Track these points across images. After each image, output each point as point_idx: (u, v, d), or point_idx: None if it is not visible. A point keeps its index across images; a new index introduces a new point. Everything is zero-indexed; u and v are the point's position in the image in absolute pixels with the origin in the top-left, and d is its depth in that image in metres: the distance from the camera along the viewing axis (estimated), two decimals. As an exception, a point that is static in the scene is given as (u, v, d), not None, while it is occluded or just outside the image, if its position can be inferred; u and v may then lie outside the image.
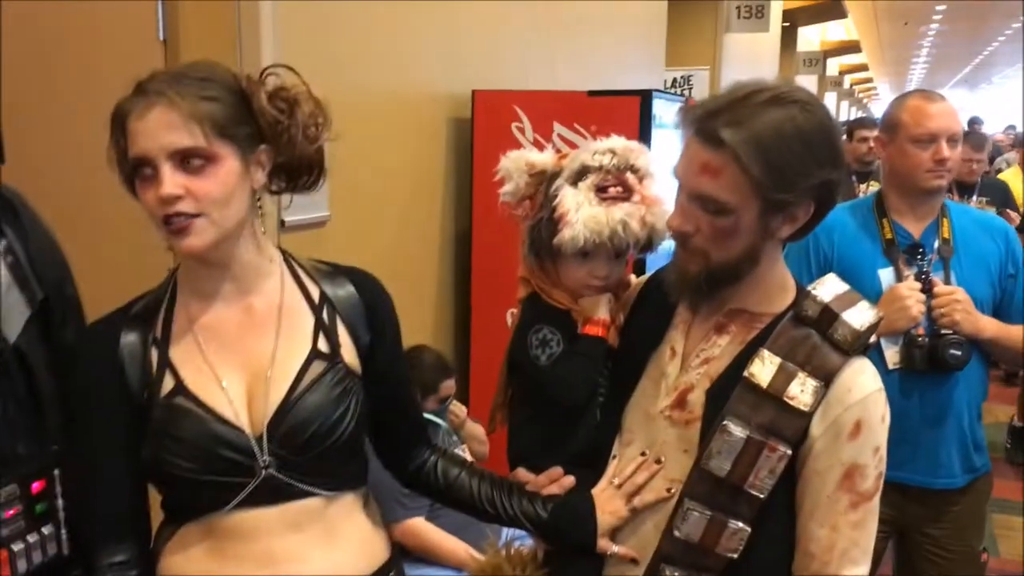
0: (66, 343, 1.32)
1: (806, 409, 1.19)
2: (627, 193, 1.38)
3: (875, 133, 4.61)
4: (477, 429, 2.98)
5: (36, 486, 1.23)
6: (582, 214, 1.35)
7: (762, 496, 1.19)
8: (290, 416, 1.23)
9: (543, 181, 1.43)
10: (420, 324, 3.48)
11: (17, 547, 1.21)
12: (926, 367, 2.06)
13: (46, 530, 1.25)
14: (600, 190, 1.37)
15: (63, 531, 1.27)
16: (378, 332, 1.36)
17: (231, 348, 1.26)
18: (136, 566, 1.26)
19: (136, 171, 1.18)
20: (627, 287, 1.49)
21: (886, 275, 2.11)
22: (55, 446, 1.27)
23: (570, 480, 1.37)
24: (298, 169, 1.32)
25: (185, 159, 1.17)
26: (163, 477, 1.24)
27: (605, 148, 1.40)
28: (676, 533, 1.22)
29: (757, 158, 1.15)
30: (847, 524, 1.21)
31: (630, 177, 1.40)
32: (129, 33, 2.45)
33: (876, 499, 1.23)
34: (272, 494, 1.23)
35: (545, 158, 1.45)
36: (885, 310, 1.95)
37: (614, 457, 1.35)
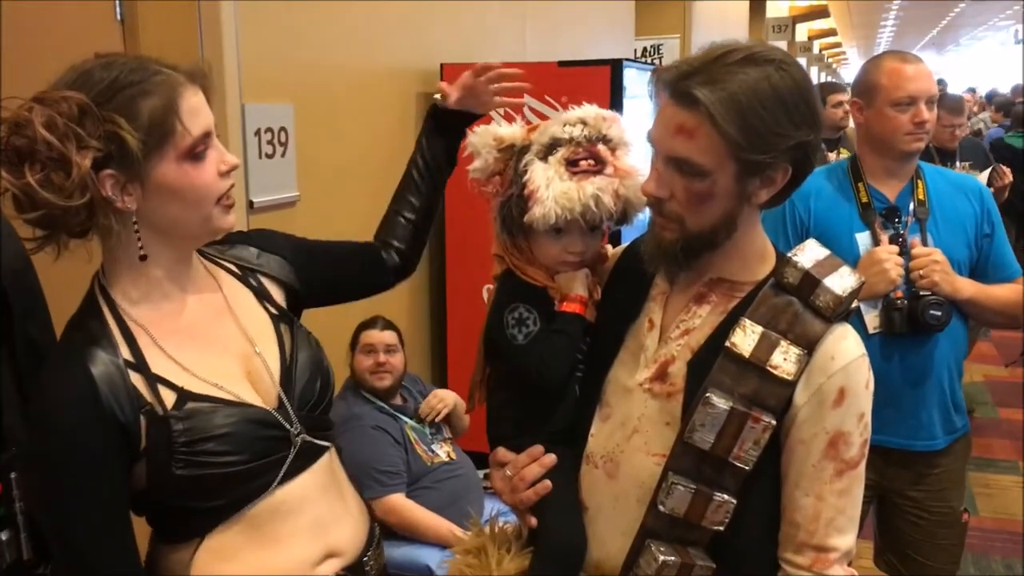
0: (31, 338, 1.25)
1: (789, 378, 1.17)
2: (599, 166, 1.34)
3: (847, 97, 4.58)
4: (460, 404, 2.96)
5: None
6: (552, 190, 1.31)
7: (747, 468, 1.17)
8: (297, 378, 1.28)
9: (512, 156, 1.39)
10: (395, 302, 3.44)
11: None
12: (906, 329, 2.05)
13: (4, 535, 1.19)
14: (571, 164, 1.33)
15: (23, 535, 1.21)
16: (286, 256, 1.42)
17: (206, 341, 1.24)
18: None
19: (192, 150, 1.15)
20: (604, 260, 1.46)
21: (863, 239, 2.10)
22: (13, 448, 1.20)
23: (551, 458, 1.34)
24: None
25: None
26: (203, 485, 1.16)
27: (576, 119, 1.36)
28: (661, 508, 1.20)
29: (732, 117, 1.13)
30: (832, 493, 1.20)
31: (602, 148, 1.35)
32: (86, 14, 2.38)
33: (862, 466, 1.22)
34: (304, 459, 1.25)
35: (514, 132, 1.40)
36: (864, 274, 1.92)
37: (592, 435, 1.33)
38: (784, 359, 1.17)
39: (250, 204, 2.57)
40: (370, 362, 2.79)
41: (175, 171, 1.15)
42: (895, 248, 2.05)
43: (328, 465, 1.32)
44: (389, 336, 2.85)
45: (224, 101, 2.44)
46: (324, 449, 1.30)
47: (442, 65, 3.54)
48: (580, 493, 1.33)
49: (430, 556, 2.61)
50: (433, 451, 2.83)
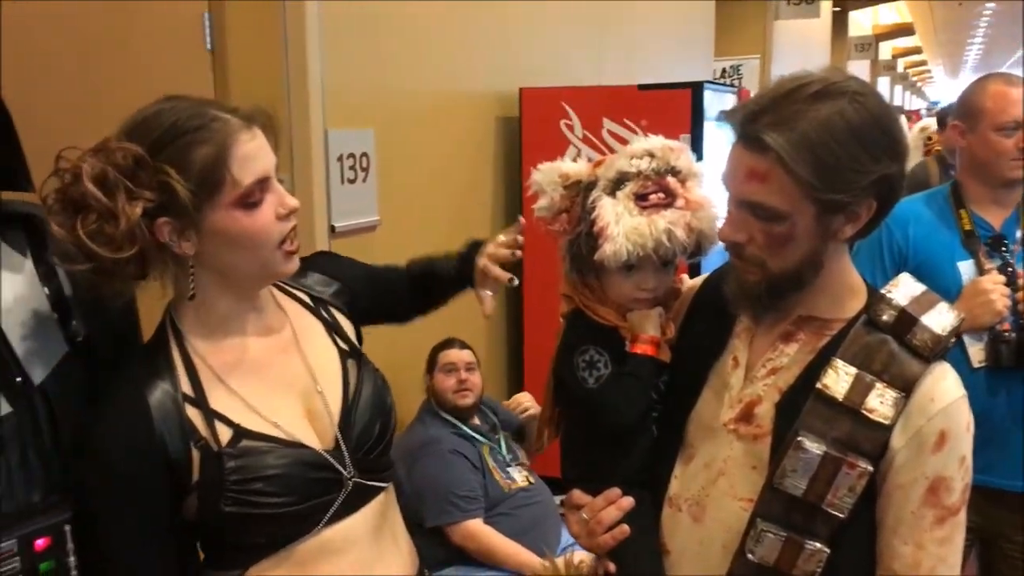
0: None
1: (887, 422, 1.11)
2: (669, 198, 1.30)
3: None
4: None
5: (40, 543, 1.11)
6: (623, 226, 1.27)
7: (842, 516, 1.12)
8: (357, 419, 1.26)
9: (579, 193, 1.35)
10: (472, 326, 3.43)
11: None
12: (1014, 363, 1.95)
13: None
14: (640, 198, 1.29)
15: None
16: (351, 286, 1.42)
17: (269, 377, 1.24)
18: None
19: (245, 199, 1.15)
20: (677, 296, 1.42)
21: (966, 268, 2.01)
22: (76, 500, 1.16)
23: (628, 502, 1.30)
24: None
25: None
26: (249, 523, 1.16)
27: (643, 151, 1.32)
28: (749, 556, 1.15)
29: (805, 159, 1.08)
30: (933, 541, 1.14)
31: (671, 181, 1.31)
32: (177, 44, 2.45)
33: (963, 513, 1.16)
34: (356, 501, 1.24)
35: (579, 168, 1.37)
36: (968, 305, 1.86)
37: (675, 477, 1.29)
38: (880, 402, 1.12)
39: (332, 229, 2.60)
40: (452, 381, 2.80)
41: (227, 218, 1.14)
42: (1001, 278, 1.95)
43: (381, 506, 1.29)
44: (467, 355, 2.88)
45: (308, 128, 2.48)
46: (378, 490, 1.28)
47: (521, 89, 3.55)
48: (662, 537, 1.29)
49: (509, 584, 2.59)
50: (510, 477, 2.81)
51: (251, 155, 1.15)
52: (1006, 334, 1.95)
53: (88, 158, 1.10)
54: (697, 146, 3.21)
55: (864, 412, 1.12)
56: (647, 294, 1.34)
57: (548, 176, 1.38)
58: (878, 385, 1.13)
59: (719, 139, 3.58)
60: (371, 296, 1.46)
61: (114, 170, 1.08)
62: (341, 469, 1.22)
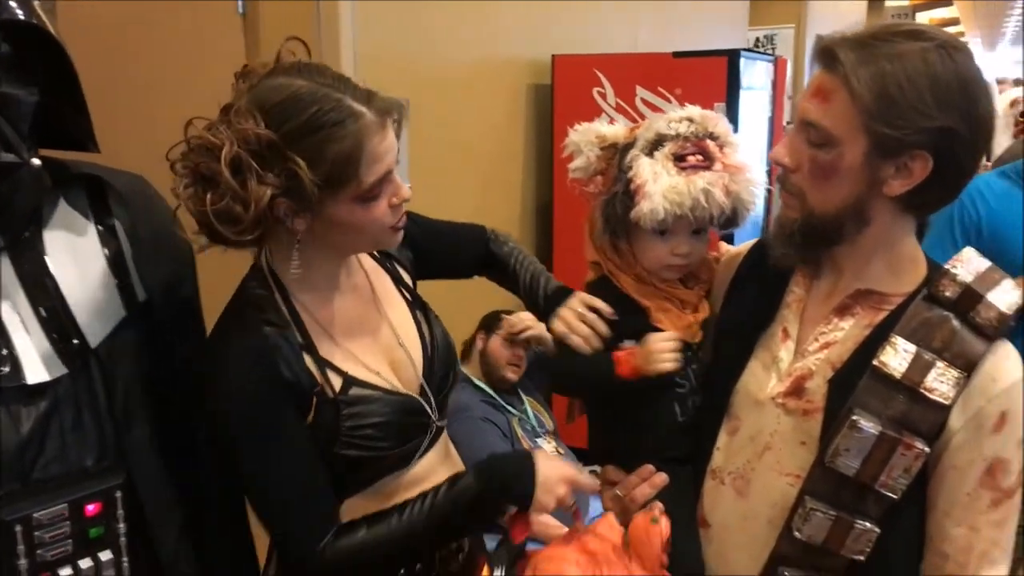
0: (185, 358, 1.22)
1: (946, 402, 1.08)
2: (708, 161, 1.29)
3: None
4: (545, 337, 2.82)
5: (91, 508, 1.10)
6: (660, 184, 1.26)
7: (895, 496, 1.09)
8: (435, 368, 1.33)
9: (615, 154, 1.35)
10: (501, 296, 3.42)
11: (65, 572, 1.08)
12: None
13: (104, 556, 1.12)
14: (679, 159, 1.28)
15: (124, 559, 1.14)
16: (414, 244, 1.41)
17: (360, 331, 1.27)
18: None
19: (366, 195, 1.15)
20: (711, 269, 1.39)
21: None
22: (129, 466, 1.15)
23: (662, 478, 1.29)
24: None
25: None
26: (359, 464, 1.22)
27: (681, 116, 1.32)
28: (796, 534, 1.12)
29: (869, 83, 1.05)
30: (988, 523, 1.11)
31: (710, 144, 1.30)
32: (209, 8, 2.42)
33: (1019, 495, 1.12)
34: (434, 440, 1.32)
35: (616, 130, 1.37)
36: None
37: (718, 449, 1.26)
38: (940, 381, 1.08)
39: (363, 196, 2.58)
40: (509, 353, 2.75)
41: (345, 210, 1.15)
42: None
43: (445, 439, 1.38)
44: None
45: (340, 95, 2.45)
46: (444, 427, 1.37)
47: (554, 56, 3.50)
48: (701, 510, 1.27)
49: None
50: (538, 447, 2.79)
51: (380, 154, 1.14)
52: None
53: (224, 135, 1.08)
54: (733, 115, 3.14)
55: (923, 391, 1.08)
56: (680, 260, 1.33)
57: (585, 136, 1.37)
58: (939, 364, 1.09)
59: (755, 108, 3.51)
60: (436, 252, 1.47)
61: (248, 155, 1.08)
62: (432, 413, 1.29)
